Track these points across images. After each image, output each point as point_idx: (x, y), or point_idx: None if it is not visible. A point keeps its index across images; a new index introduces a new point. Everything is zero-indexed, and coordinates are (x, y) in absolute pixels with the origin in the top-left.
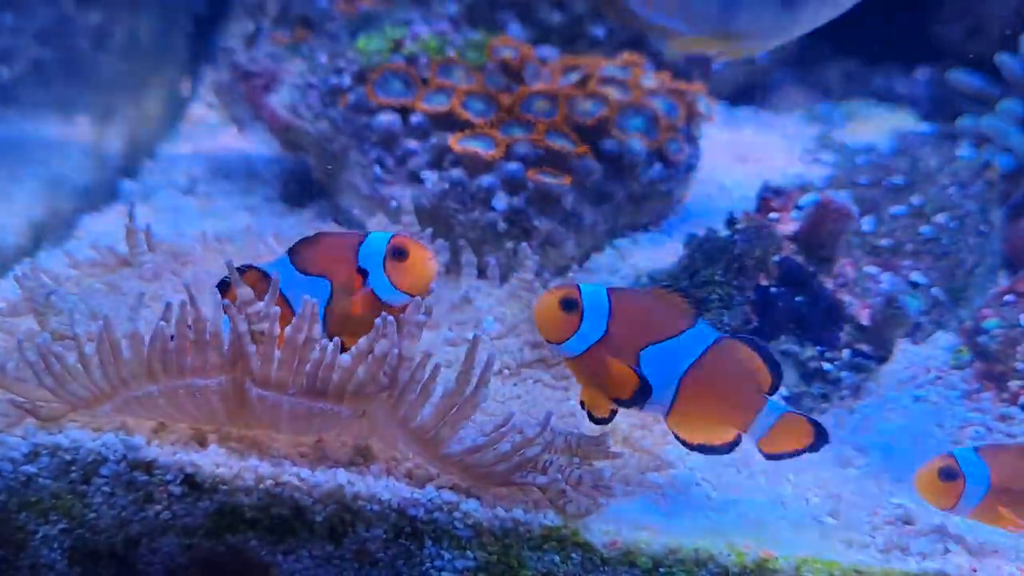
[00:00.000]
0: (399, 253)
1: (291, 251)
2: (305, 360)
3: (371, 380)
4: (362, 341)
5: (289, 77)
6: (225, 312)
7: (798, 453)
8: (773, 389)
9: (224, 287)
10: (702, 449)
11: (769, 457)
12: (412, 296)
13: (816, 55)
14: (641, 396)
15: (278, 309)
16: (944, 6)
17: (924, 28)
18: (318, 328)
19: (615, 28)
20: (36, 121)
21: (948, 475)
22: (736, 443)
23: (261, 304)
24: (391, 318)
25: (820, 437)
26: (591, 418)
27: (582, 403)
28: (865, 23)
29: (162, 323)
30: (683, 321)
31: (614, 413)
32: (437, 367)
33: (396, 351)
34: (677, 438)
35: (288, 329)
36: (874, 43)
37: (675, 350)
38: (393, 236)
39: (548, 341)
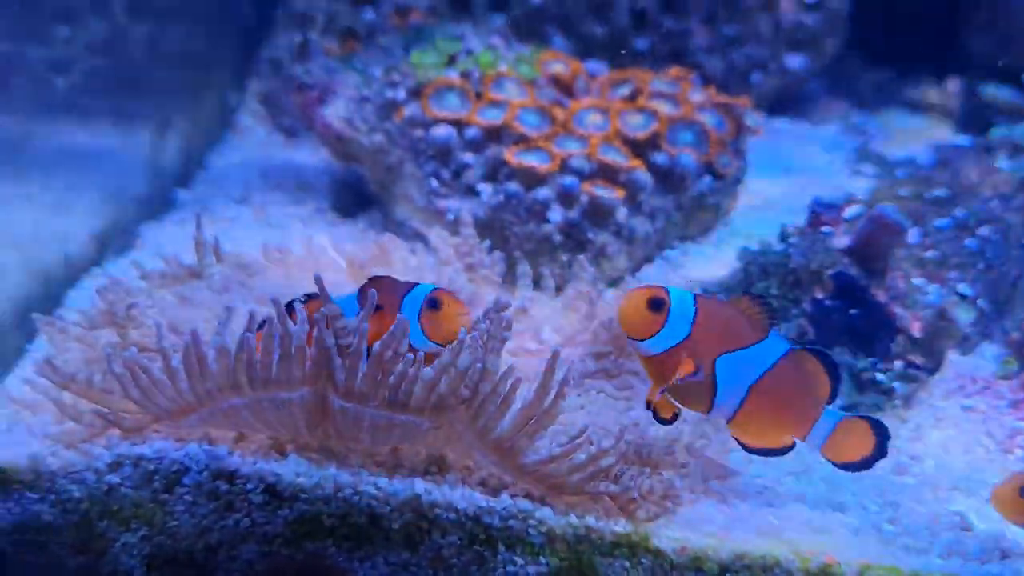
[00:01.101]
0: (434, 304)
1: (360, 288)
2: (389, 373)
3: (452, 393)
4: (445, 354)
5: (343, 90)
6: (314, 324)
7: (867, 462)
8: (832, 398)
9: (305, 301)
10: (759, 452)
11: (840, 467)
12: (442, 346)
13: (849, 66)
14: (710, 400)
15: (367, 325)
16: (974, 18)
17: (954, 39)
18: (405, 344)
19: (655, 42)
20: (93, 131)
21: None
22: (790, 448)
23: (351, 320)
24: (476, 333)
25: (881, 435)
26: (656, 418)
27: (649, 403)
28: (896, 34)
29: (248, 335)
30: (759, 331)
31: (677, 415)
32: (518, 380)
33: (479, 365)
34: (737, 442)
35: (377, 344)
36: (905, 54)
37: (749, 359)
38: (434, 289)
39: (629, 337)
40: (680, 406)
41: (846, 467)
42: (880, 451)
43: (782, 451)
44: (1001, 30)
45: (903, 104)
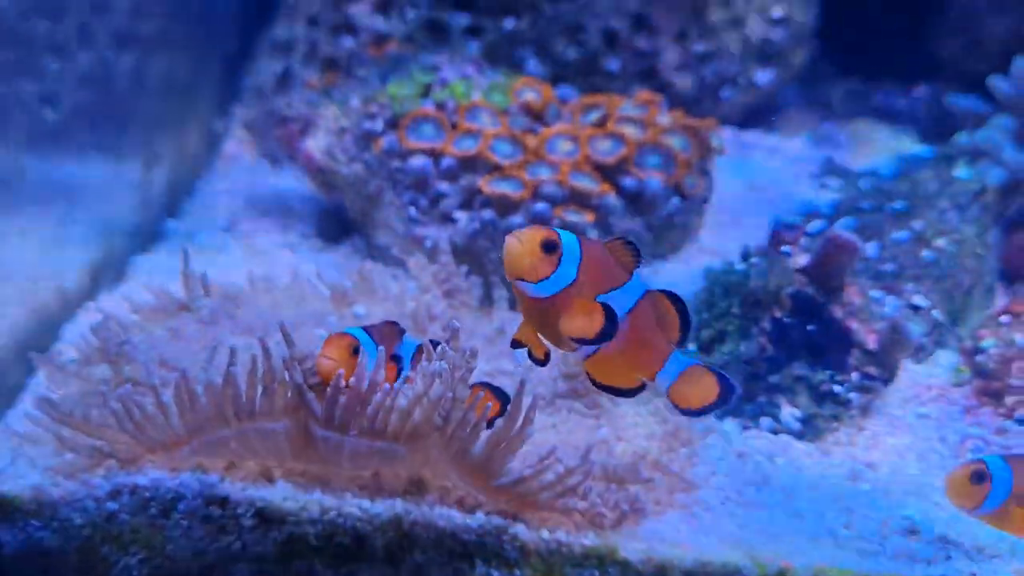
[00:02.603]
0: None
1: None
2: (367, 403)
3: (426, 421)
4: (418, 385)
5: (323, 122)
6: (286, 367)
7: (708, 409)
8: (681, 341)
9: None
10: (609, 391)
11: (682, 412)
12: None
13: (819, 74)
14: (611, 326)
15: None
16: (942, 24)
17: (923, 46)
18: (381, 374)
19: (627, 62)
20: (84, 163)
21: (979, 478)
22: (640, 389)
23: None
24: (445, 364)
25: (726, 390)
26: (531, 357)
27: (516, 342)
28: (866, 42)
29: (233, 369)
30: (625, 272)
31: (548, 356)
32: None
33: (450, 395)
34: (590, 379)
35: (352, 377)
36: (875, 61)
37: (619, 300)
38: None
39: (517, 279)
40: (551, 346)
41: (688, 413)
42: (723, 400)
43: (631, 392)
44: (969, 37)
45: (872, 111)
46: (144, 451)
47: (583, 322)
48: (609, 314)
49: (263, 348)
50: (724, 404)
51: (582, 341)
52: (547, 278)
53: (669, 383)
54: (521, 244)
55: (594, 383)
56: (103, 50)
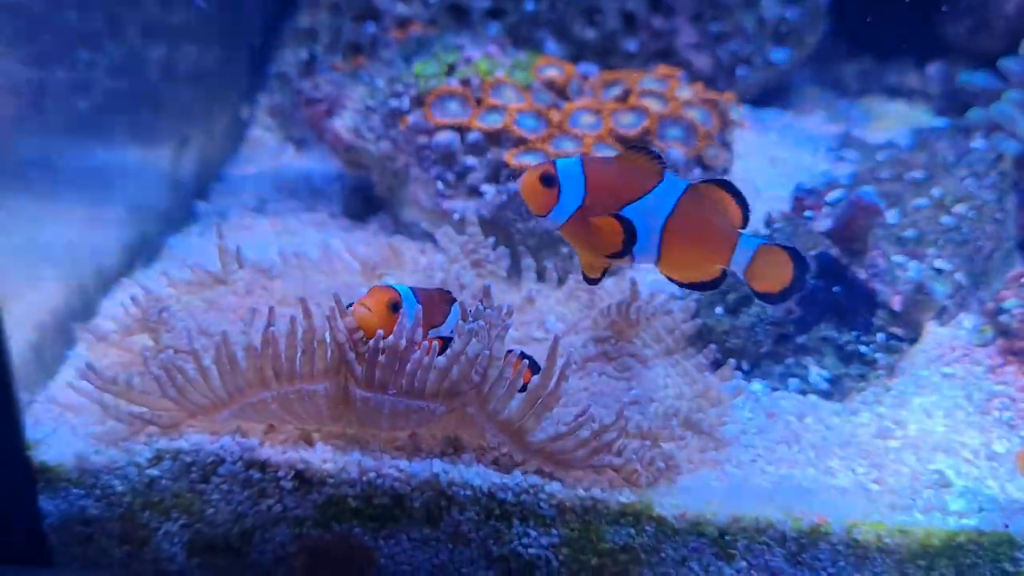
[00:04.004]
0: None
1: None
2: (405, 362)
3: (464, 379)
4: (456, 343)
5: (350, 102)
6: (330, 325)
7: (787, 292)
8: (744, 223)
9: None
10: (694, 287)
11: (760, 296)
12: None
13: (833, 54)
14: (630, 238)
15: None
16: (951, 3)
17: (934, 25)
18: (419, 333)
19: (645, 42)
20: (118, 150)
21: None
22: (721, 279)
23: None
24: (481, 322)
25: (799, 263)
26: (586, 279)
27: (584, 274)
28: (877, 22)
29: (272, 330)
30: (653, 177)
31: (606, 271)
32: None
33: (487, 352)
34: (671, 280)
35: (390, 337)
36: (886, 41)
37: (651, 205)
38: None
39: (535, 214)
40: (611, 262)
41: (768, 297)
42: (799, 279)
43: (714, 284)
44: (978, 16)
45: (885, 90)
46: (185, 416)
47: (606, 238)
48: (625, 224)
49: (304, 308)
50: (800, 284)
51: (615, 255)
52: (556, 207)
53: (744, 266)
54: (524, 184)
55: (676, 283)
56: (132, 41)
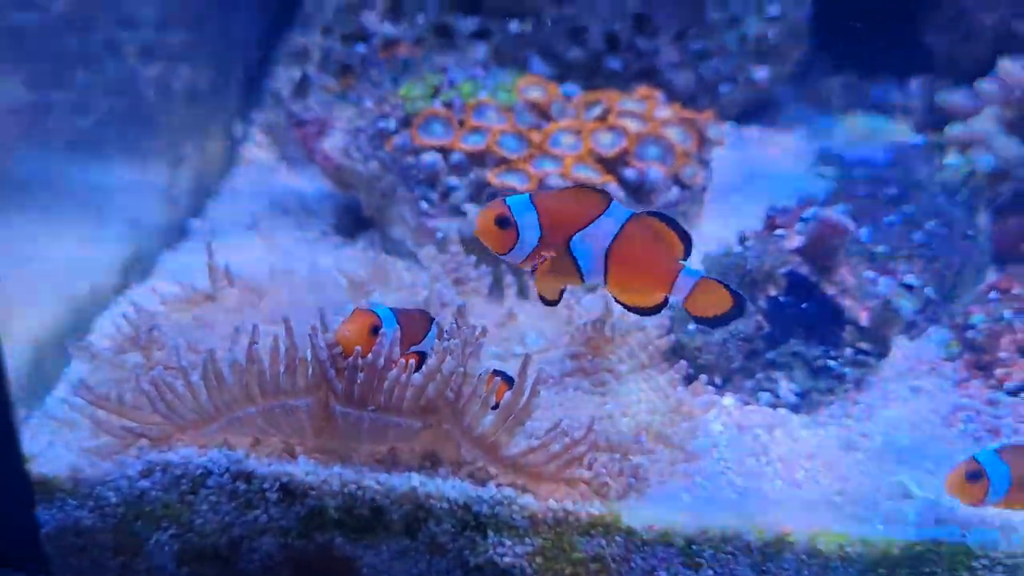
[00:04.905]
0: None
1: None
2: (383, 380)
3: (439, 396)
4: (432, 361)
5: (339, 123)
6: (311, 343)
7: (723, 320)
8: (686, 254)
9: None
10: (637, 311)
11: (698, 321)
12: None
13: (815, 70)
14: (580, 274)
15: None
16: (935, 17)
17: (916, 39)
18: (396, 351)
19: (629, 61)
20: (115, 167)
21: (973, 476)
22: (663, 305)
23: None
24: (456, 340)
25: (738, 303)
26: (544, 301)
27: (541, 297)
28: (861, 36)
29: (255, 347)
30: (600, 206)
31: (561, 294)
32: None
33: (461, 369)
34: (618, 302)
35: (369, 355)
36: (870, 55)
37: (597, 231)
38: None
39: (497, 255)
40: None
41: (704, 322)
42: (737, 311)
43: (656, 309)
44: (961, 29)
45: (868, 106)
46: (175, 430)
47: (563, 269)
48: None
49: (286, 327)
50: (739, 314)
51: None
52: (515, 247)
53: (684, 295)
54: (481, 228)
55: (623, 306)
56: (129, 60)
